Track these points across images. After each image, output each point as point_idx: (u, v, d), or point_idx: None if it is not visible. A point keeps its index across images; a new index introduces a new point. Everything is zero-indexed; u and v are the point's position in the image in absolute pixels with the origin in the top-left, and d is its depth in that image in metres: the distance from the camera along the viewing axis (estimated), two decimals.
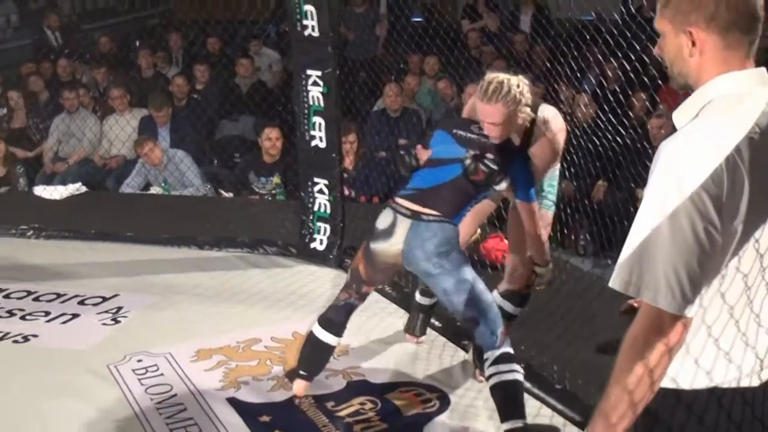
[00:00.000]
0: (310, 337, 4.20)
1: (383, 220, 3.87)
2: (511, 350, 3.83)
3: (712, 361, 1.95)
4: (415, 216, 3.79)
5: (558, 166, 4.18)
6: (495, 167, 3.78)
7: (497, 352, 3.79)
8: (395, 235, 3.81)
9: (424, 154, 4.02)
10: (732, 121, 1.85)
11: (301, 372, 4.24)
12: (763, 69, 1.96)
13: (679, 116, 1.98)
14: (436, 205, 3.80)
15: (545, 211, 4.19)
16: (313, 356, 4.24)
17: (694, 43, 1.93)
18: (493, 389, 3.81)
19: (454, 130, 3.97)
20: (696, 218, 1.79)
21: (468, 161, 3.82)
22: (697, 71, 1.95)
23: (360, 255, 3.99)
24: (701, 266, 1.81)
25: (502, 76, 3.80)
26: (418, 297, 4.81)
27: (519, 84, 3.79)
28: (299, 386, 4.27)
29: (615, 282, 1.88)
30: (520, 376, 3.81)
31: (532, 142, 3.97)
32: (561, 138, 4.00)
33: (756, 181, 1.82)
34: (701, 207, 1.79)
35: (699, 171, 1.80)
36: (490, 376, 3.81)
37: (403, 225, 3.80)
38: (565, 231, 5.49)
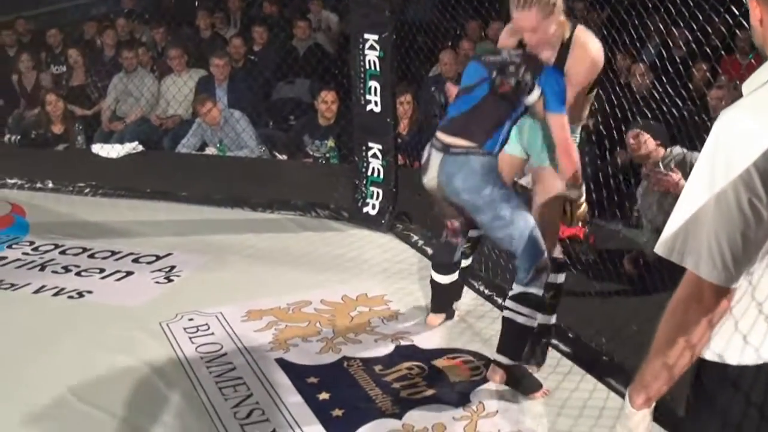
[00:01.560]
0: (431, 282, 4.54)
1: (424, 154, 3.96)
2: (535, 291, 3.84)
3: (762, 338, 1.92)
4: (444, 149, 3.83)
5: (587, 106, 4.04)
6: (522, 76, 3.72)
7: (521, 290, 3.85)
8: (430, 169, 3.88)
9: (454, 91, 4.04)
10: None
11: (432, 307, 4.64)
12: None
13: (748, 85, 1.95)
14: (465, 133, 3.79)
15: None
16: (436, 296, 4.60)
17: (757, 12, 1.91)
18: (505, 322, 3.93)
19: (483, 57, 3.91)
20: (741, 190, 1.76)
21: (494, 74, 3.78)
22: (763, 40, 1.92)
23: None
24: (744, 238, 1.78)
25: None
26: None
27: None
28: (432, 318, 4.63)
29: (660, 248, 1.88)
30: (531, 322, 3.88)
31: (568, 58, 3.86)
32: (598, 59, 3.86)
33: None
34: (747, 179, 1.75)
35: (749, 143, 1.76)
36: (505, 308, 3.90)
37: (435, 159, 3.86)
38: (618, 201, 5.42)
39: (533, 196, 4.12)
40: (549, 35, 3.77)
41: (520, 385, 3.97)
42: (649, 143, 5.15)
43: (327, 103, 7.49)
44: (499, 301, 4.82)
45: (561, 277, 4.15)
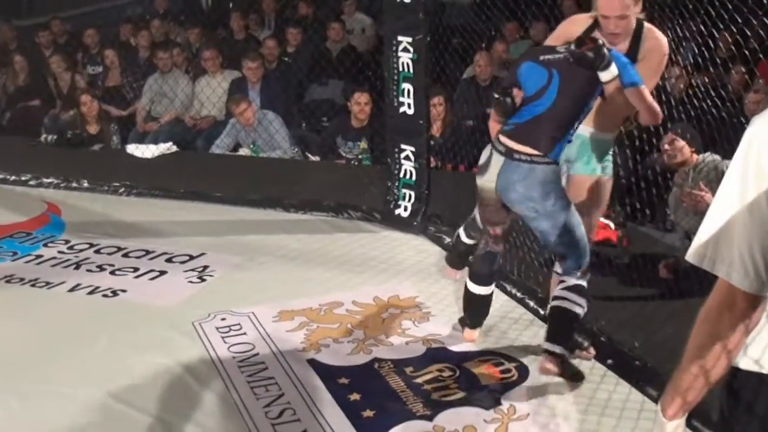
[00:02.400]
0: (466, 292, 4.38)
1: (483, 155, 3.91)
2: (585, 284, 3.93)
3: None
4: (508, 154, 3.77)
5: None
6: (600, 42, 3.65)
7: (573, 281, 3.91)
8: (489, 171, 3.83)
9: (519, 95, 3.94)
10: None
11: (468, 322, 4.48)
12: None
13: None
14: (530, 139, 3.75)
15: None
16: (472, 308, 4.43)
17: None
18: (555, 310, 3.94)
19: (541, 57, 3.86)
20: None
21: (572, 48, 3.72)
22: None
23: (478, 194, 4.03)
24: None
25: None
26: (462, 236, 4.58)
27: None
28: (469, 333, 4.48)
29: (691, 255, 1.86)
30: (582, 312, 3.93)
31: (640, 50, 3.85)
32: (667, 52, 3.87)
33: None
34: None
35: None
36: (560, 298, 3.91)
37: (496, 162, 3.81)
38: (652, 206, 5.39)
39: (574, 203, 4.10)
40: (631, 24, 3.77)
41: (573, 373, 4.03)
42: (684, 150, 5.12)
43: (360, 104, 7.50)
44: (531, 304, 4.82)
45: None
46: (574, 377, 4.03)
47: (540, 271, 5.05)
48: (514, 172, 3.75)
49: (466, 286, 4.36)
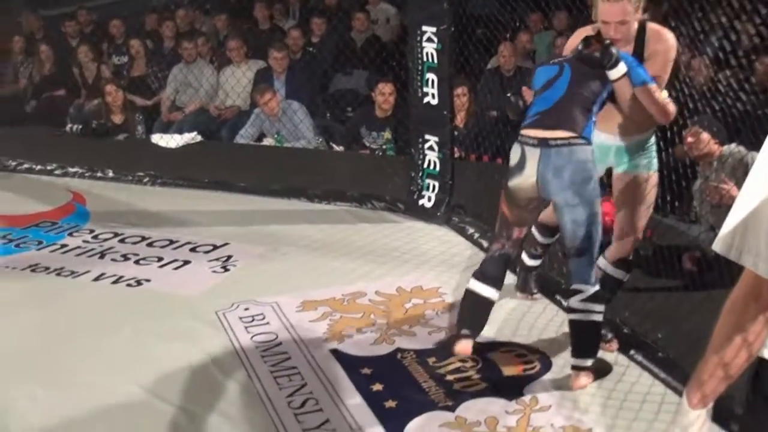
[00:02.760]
0: (468, 294, 4.10)
1: (514, 156, 3.85)
2: (599, 288, 3.87)
3: None
4: (542, 143, 3.73)
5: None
6: (608, 42, 3.73)
7: (592, 290, 3.83)
8: (527, 167, 3.77)
9: (530, 95, 4.01)
10: None
11: (464, 332, 4.09)
12: None
13: None
14: (561, 123, 3.74)
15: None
16: (474, 312, 4.10)
17: None
18: (578, 324, 3.87)
19: (552, 60, 3.99)
20: None
21: (580, 47, 3.81)
22: None
23: (503, 197, 3.95)
24: None
25: None
26: (526, 259, 4.77)
27: None
28: (463, 346, 4.07)
29: (718, 245, 1.84)
30: (602, 316, 3.89)
31: (645, 50, 3.88)
32: (674, 47, 3.88)
33: None
34: None
35: None
36: (581, 311, 3.84)
37: (533, 155, 3.75)
38: (677, 197, 5.36)
39: (620, 203, 4.20)
40: (632, 31, 3.82)
41: (606, 370, 4.03)
42: (708, 142, 5.09)
43: (384, 95, 7.49)
44: (557, 296, 4.80)
45: (627, 276, 4.30)
46: (604, 374, 4.01)
47: (564, 262, 5.03)
48: (558, 157, 3.71)
49: (468, 289, 4.11)
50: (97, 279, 5.29)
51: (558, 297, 4.78)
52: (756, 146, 5.52)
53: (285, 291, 4.99)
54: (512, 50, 8.06)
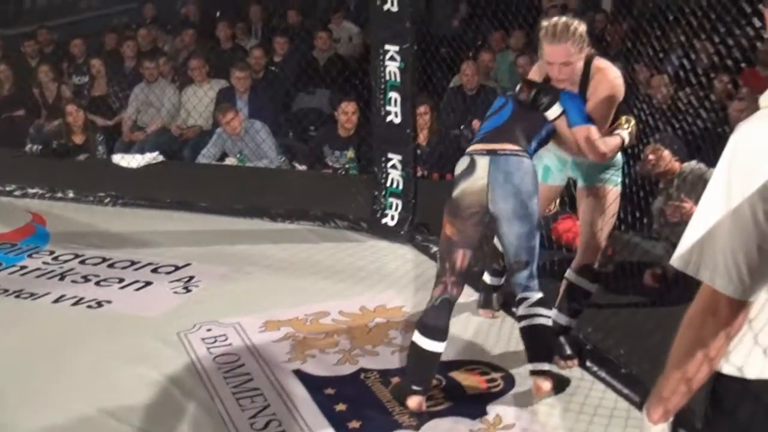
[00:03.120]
0: (414, 347, 3.95)
1: (461, 165, 3.91)
2: (543, 295, 3.94)
3: None
4: (491, 152, 3.84)
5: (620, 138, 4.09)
6: (540, 86, 3.87)
7: (537, 296, 3.90)
8: (477, 170, 3.83)
9: (478, 125, 4.16)
10: None
11: (413, 387, 3.92)
12: None
13: (765, 98, 1.94)
14: (508, 138, 3.88)
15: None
16: (420, 367, 3.96)
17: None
18: (530, 329, 3.91)
19: (508, 93, 4.13)
20: (757, 203, 1.75)
21: (515, 91, 3.94)
22: None
23: (445, 220, 3.92)
24: (760, 251, 1.77)
25: (564, 17, 3.89)
26: (487, 278, 4.84)
27: (579, 23, 3.88)
28: (414, 402, 3.89)
29: (676, 260, 1.87)
30: (551, 322, 3.96)
31: (588, 86, 3.97)
32: (617, 85, 3.95)
33: None
34: (764, 192, 1.75)
35: (763, 153, 1.76)
36: (529, 316, 3.89)
37: (483, 161, 3.83)
38: (638, 214, 5.40)
39: (583, 215, 4.28)
40: (578, 70, 3.91)
41: (564, 384, 4.06)
42: (666, 158, 5.15)
43: (347, 114, 7.49)
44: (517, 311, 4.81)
45: (594, 287, 4.36)
46: (563, 386, 4.05)
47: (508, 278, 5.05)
48: (507, 164, 3.81)
49: (413, 342, 3.94)
50: (56, 301, 5.23)
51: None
52: (715, 163, 5.57)
53: (247, 311, 4.96)
54: (475, 69, 8.10)
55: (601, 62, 3.99)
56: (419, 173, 6.45)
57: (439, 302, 3.91)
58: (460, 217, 3.86)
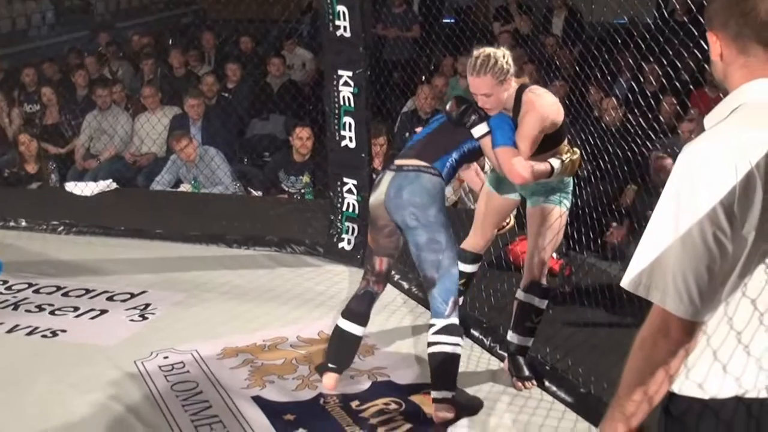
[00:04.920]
0: (336, 330, 4.33)
1: (377, 178, 4.12)
2: (457, 322, 3.97)
3: (742, 368, 1.93)
4: (398, 169, 4.01)
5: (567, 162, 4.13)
6: (470, 104, 4.00)
7: (444, 322, 3.94)
8: (380, 185, 4.04)
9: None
10: (754, 129, 1.83)
11: (330, 365, 4.33)
12: None
13: (709, 120, 1.98)
14: (417, 155, 4.04)
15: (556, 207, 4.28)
16: (340, 348, 4.35)
17: (717, 47, 1.96)
18: (433, 357, 3.96)
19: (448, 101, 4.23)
20: (706, 224, 1.78)
21: (448, 106, 4.06)
22: (723, 75, 1.99)
23: (369, 225, 4.21)
24: (710, 272, 1.80)
25: (489, 49, 3.97)
26: (509, 335, 4.59)
27: (504, 55, 3.97)
28: (329, 379, 4.33)
29: (626, 281, 1.89)
30: (460, 350, 3.98)
31: (520, 113, 4.03)
32: (545, 114, 3.98)
33: None
34: (711, 213, 1.78)
35: (712, 176, 1.79)
36: (433, 343, 3.94)
37: (387, 177, 4.03)
38: (593, 234, 5.46)
39: (530, 233, 4.32)
40: (502, 101, 4.00)
41: (470, 409, 4.07)
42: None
43: (302, 139, 7.50)
44: (476, 334, 4.84)
45: (544, 303, 4.36)
46: (474, 411, 4.09)
47: (486, 301, 5.08)
48: (402, 179, 3.97)
49: (337, 325, 4.33)
50: (10, 331, 5.16)
51: (480, 336, 4.82)
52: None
53: (205, 338, 4.94)
54: (429, 93, 8.15)
55: (531, 92, 4.03)
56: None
57: (362, 292, 4.30)
58: (375, 227, 4.14)
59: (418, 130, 4.32)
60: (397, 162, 4.06)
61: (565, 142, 4.14)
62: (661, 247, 1.83)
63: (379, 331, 4.97)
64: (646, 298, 1.86)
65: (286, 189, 7.62)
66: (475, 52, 3.96)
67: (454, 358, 3.96)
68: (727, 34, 1.94)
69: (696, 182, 1.80)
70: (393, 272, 5.70)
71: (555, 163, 4.02)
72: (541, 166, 3.97)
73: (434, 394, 3.97)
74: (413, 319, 5.18)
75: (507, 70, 3.93)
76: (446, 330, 3.93)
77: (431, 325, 3.97)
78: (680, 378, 1.94)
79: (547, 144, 4.02)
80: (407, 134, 7.91)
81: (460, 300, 4.65)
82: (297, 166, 7.60)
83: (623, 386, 1.92)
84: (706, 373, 1.93)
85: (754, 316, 1.91)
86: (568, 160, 4.08)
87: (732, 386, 1.92)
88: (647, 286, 1.85)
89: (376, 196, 4.05)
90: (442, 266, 3.91)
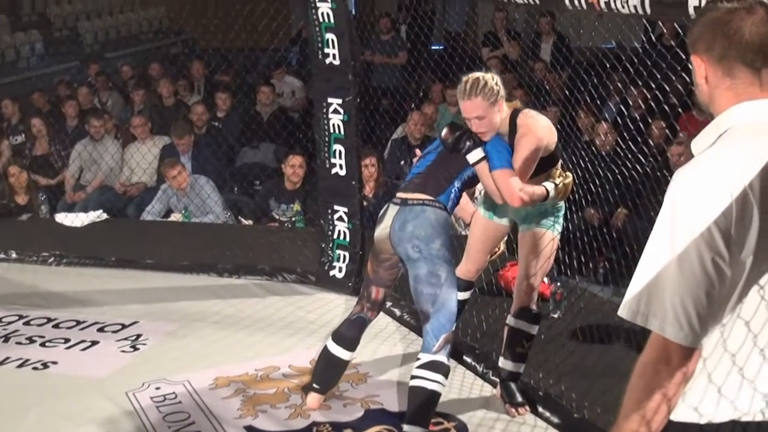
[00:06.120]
0: (324, 351, 4.35)
1: (381, 211, 4.11)
2: (445, 360, 3.93)
3: (737, 390, 1.92)
4: (403, 202, 4.00)
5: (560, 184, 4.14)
6: (464, 130, 3.97)
7: (430, 358, 3.91)
8: (385, 219, 4.03)
9: (418, 156, 4.32)
10: (745, 152, 1.83)
11: (314, 385, 4.40)
12: None
13: (696, 144, 1.98)
14: (421, 189, 4.03)
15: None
16: (326, 370, 4.38)
17: (702, 70, 1.96)
18: (412, 391, 3.93)
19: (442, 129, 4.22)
20: (704, 249, 1.77)
21: (442, 134, 4.04)
22: (709, 98, 1.98)
23: (370, 254, 4.21)
24: (709, 298, 1.79)
25: (477, 73, 3.98)
26: (501, 362, 4.58)
27: (494, 78, 3.97)
28: (312, 399, 4.40)
29: (623, 311, 1.87)
30: (441, 389, 3.93)
31: (515, 137, 4.02)
32: (540, 137, 3.98)
33: (767, 212, 1.80)
34: (709, 238, 1.77)
35: (708, 201, 1.79)
36: (415, 377, 3.92)
37: (391, 211, 4.02)
38: (584, 259, 5.47)
39: (521, 258, 4.31)
40: (495, 123, 3.98)
41: None
42: None
43: (294, 167, 7.49)
44: (469, 360, 4.82)
45: (535, 329, 4.35)
46: None
47: (478, 327, 5.07)
48: (408, 213, 3.96)
49: (326, 347, 4.34)
50: (1, 363, 5.13)
51: (473, 363, 4.80)
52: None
53: (197, 368, 4.92)
54: (419, 119, 8.17)
55: (526, 115, 4.03)
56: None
57: (355, 318, 4.30)
58: (376, 259, 4.15)
59: (416, 158, 4.29)
60: (401, 195, 4.04)
61: (559, 165, 4.15)
62: (658, 274, 1.82)
63: (371, 359, 4.95)
64: (644, 326, 1.84)
65: (277, 217, 7.61)
66: (464, 78, 3.98)
67: (433, 396, 3.91)
68: (712, 57, 1.93)
69: (692, 209, 1.80)
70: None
71: (550, 186, 4.02)
72: (539, 189, 3.97)
73: (406, 428, 3.92)
74: (405, 347, 5.16)
75: (497, 91, 3.93)
76: (430, 366, 3.89)
77: (417, 358, 3.95)
78: (700, 389, 1.92)
79: (540, 167, 4.02)
80: (402, 162, 7.94)
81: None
82: (288, 194, 7.60)
83: (623, 415, 1.89)
84: (701, 397, 1.92)
85: (748, 338, 1.90)
86: (561, 183, 4.09)
87: (727, 409, 1.91)
88: (645, 315, 1.83)
89: (381, 229, 4.03)
90: (438, 301, 3.88)
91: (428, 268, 3.88)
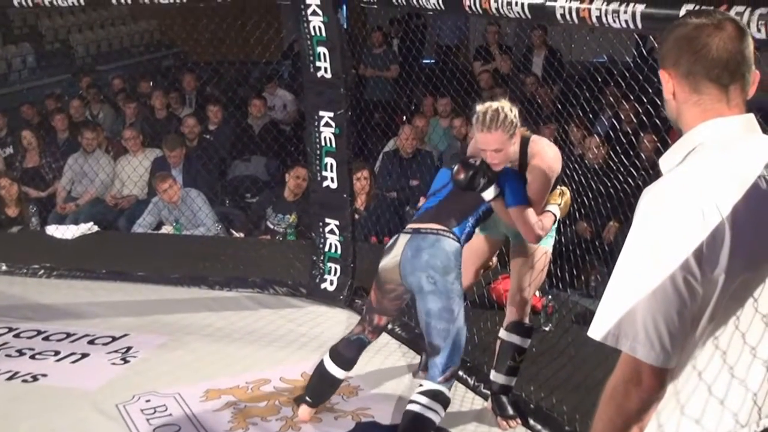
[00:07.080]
0: (319, 367, 4.34)
1: (390, 242, 4.06)
2: (447, 392, 3.92)
3: (703, 410, 1.90)
4: (415, 231, 3.96)
5: (555, 201, 4.16)
6: (477, 167, 3.88)
7: (433, 386, 3.90)
8: (395, 248, 3.98)
9: (423, 201, 4.28)
10: (715, 169, 1.83)
11: (307, 398, 4.40)
12: (749, 116, 1.94)
13: (665, 161, 1.96)
14: (436, 219, 3.98)
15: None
16: (319, 386, 4.40)
17: (670, 86, 1.96)
18: (407, 414, 3.92)
19: (452, 166, 4.13)
20: (676, 269, 1.75)
21: (452, 172, 3.96)
22: (677, 113, 1.98)
23: (373, 283, 4.12)
24: (681, 316, 1.77)
25: (495, 104, 3.95)
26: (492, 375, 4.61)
27: (511, 109, 3.94)
28: (303, 411, 4.40)
29: (593, 332, 1.85)
30: (438, 420, 3.91)
31: (527, 165, 4.04)
32: (553, 165, 4.02)
33: (737, 230, 1.78)
34: (681, 258, 1.75)
35: (678, 219, 1.77)
36: (414, 402, 3.91)
37: (402, 239, 3.97)
38: (576, 272, 5.47)
39: (513, 271, 4.33)
40: (510, 155, 3.98)
41: None
42: None
43: (298, 178, 7.45)
44: (463, 376, 4.81)
45: (527, 342, 4.36)
46: None
47: (469, 340, 5.06)
48: (421, 241, 3.91)
49: (322, 362, 4.34)
50: None
51: (464, 376, 4.80)
52: None
53: (187, 381, 4.91)
54: (411, 132, 8.18)
55: (537, 143, 4.06)
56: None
57: (354, 338, 4.27)
58: (381, 289, 4.08)
59: (420, 203, 4.28)
60: (413, 225, 4.01)
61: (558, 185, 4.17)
62: (628, 294, 1.80)
63: (363, 372, 4.94)
64: (615, 347, 1.82)
65: (272, 227, 7.58)
66: (481, 108, 3.93)
67: (428, 424, 3.90)
68: (679, 72, 1.93)
69: (662, 227, 1.78)
70: None
71: (555, 210, 4.06)
72: (549, 220, 4.01)
73: None
74: (396, 360, 5.16)
75: (515, 123, 3.92)
76: (431, 394, 3.88)
77: (420, 385, 3.94)
78: (675, 416, 1.91)
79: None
80: (390, 176, 7.95)
81: None
82: (286, 205, 7.57)
83: None
84: (678, 419, 1.91)
85: (715, 356, 1.88)
86: (562, 203, 4.11)
87: (729, 421, 1.90)
88: (616, 335, 1.81)
89: (390, 259, 3.98)
90: (450, 336, 3.87)
91: (443, 303, 3.84)
